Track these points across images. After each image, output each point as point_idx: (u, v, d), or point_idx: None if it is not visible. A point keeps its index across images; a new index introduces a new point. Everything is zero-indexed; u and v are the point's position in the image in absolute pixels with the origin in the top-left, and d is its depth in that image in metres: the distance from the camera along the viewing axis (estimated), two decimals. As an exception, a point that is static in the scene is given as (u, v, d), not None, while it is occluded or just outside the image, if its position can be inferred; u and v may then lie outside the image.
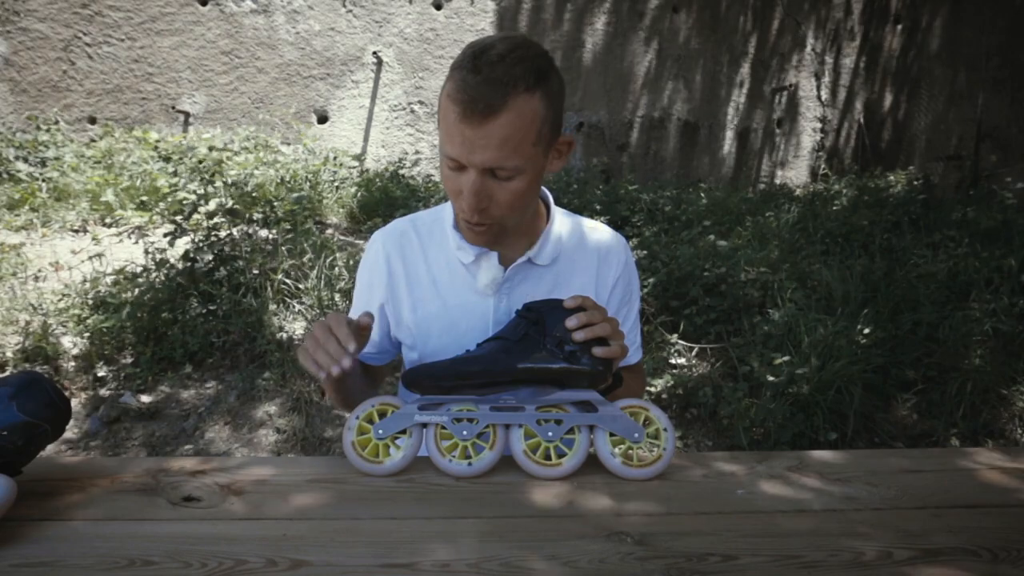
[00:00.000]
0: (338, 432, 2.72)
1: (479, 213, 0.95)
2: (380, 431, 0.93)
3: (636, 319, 1.20)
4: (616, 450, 0.93)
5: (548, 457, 0.93)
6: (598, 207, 4.20)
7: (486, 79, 0.86)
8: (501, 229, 1.01)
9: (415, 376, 0.95)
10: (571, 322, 0.92)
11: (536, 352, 0.92)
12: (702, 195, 4.84)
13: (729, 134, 5.96)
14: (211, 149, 4.09)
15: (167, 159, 3.93)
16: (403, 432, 0.93)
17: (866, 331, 3.01)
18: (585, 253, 1.13)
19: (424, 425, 0.93)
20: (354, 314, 1.16)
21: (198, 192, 3.50)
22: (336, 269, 3.35)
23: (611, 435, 0.93)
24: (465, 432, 0.92)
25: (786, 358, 2.89)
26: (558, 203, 1.17)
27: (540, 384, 0.94)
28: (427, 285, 1.09)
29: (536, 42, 0.94)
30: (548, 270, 1.09)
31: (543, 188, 1.10)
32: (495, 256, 1.06)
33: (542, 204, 1.13)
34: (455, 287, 1.09)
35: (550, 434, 0.92)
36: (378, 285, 1.11)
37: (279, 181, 3.98)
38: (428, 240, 1.11)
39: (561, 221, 1.13)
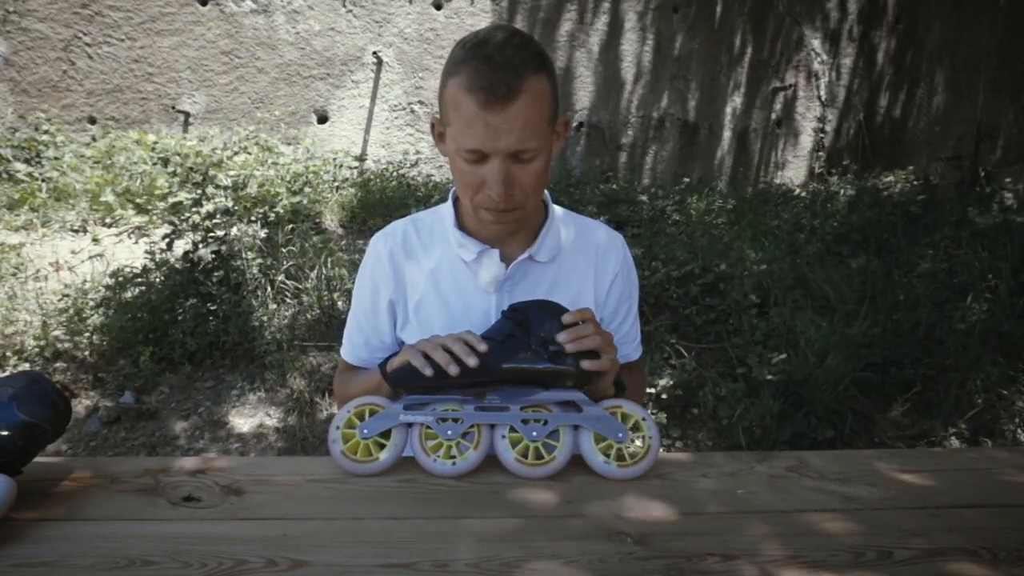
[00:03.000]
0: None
1: (506, 200, 0.96)
2: (365, 431, 0.93)
3: (635, 316, 1.20)
4: (601, 450, 0.93)
5: (537, 456, 0.93)
6: (598, 207, 4.20)
7: (499, 66, 0.88)
8: (524, 215, 1.03)
9: (401, 376, 0.95)
10: (562, 336, 0.93)
11: (521, 352, 0.93)
12: (702, 195, 4.84)
13: (728, 134, 5.96)
14: (212, 151, 4.08)
15: (165, 161, 3.93)
16: (389, 432, 0.93)
17: (865, 330, 3.00)
18: (584, 251, 1.13)
19: (409, 425, 0.93)
20: (355, 319, 1.17)
21: (197, 193, 3.50)
22: (336, 269, 3.35)
23: (596, 435, 0.94)
24: (450, 432, 0.92)
25: (783, 356, 2.89)
26: (557, 203, 1.18)
27: (525, 384, 0.95)
28: (429, 284, 1.09)
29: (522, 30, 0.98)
30: (548, 267, 1.10)
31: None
32: (496, 253, 1.07)
33: (541, 201, 1.14)
34: (457, 285, 1.09)
35: (534, 434, 0.92)
36: (384, 284, 1.11)
37: (279, 181, 3.98)
38: (429, 240, 1.11)
39: (560, 219, 1.14)
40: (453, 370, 0.90)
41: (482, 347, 0.91)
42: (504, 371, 0.93)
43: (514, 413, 0.93)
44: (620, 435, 0.93)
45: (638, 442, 0.94)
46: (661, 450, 0.97)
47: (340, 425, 0.94)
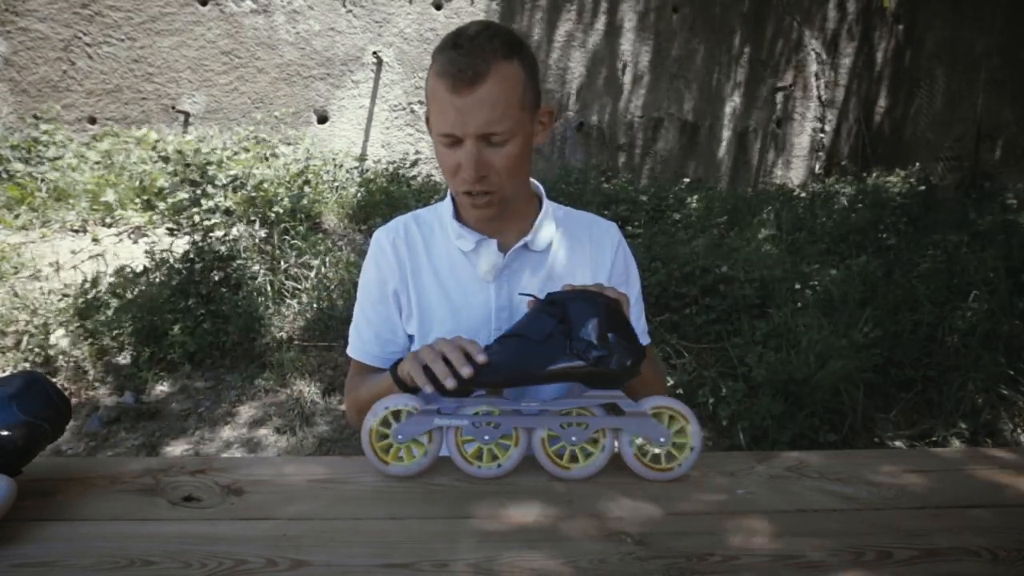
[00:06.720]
0: (337, 432, 2.72)
1: (480, 181, 0.98)
2: (400, 436, 0.91)
3: (638, 302, 1.19)
4: (640, 452, 0.92)
5: (572, 458, 0.92)
6: (598, 207, 4.20)
7: (468, 51, 0.93)
8: (502, 200, 1.03)
9: (412, 391, 0.95)
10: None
11: (561, 355, 0.88)
12: (702, 195, 4.84)
13: (728, 134, 5.96)
14: (212, 151, 4.08)
15: (165, 160, 3.93)
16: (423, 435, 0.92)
17: (865, 330, 3.00)
18: (579, 240, 1.15)
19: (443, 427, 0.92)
20: (363, 314, 1.16)
21: (197, 192, 3.50)
22: (336, 269, 3.35)
23: (635, 437, 0.92)
24: (487, 437, 0.91)
25: (780, 354, 2.89)
26: (557, 201, 1.19)
27: (565, 381, 0.92)
28: (429, 275, 1.11)
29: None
30: (544, 256, 1.12)
31: (535, 181, 1.14)
32: (494, 243, 1.09)
33: (535, 195, 1.16)
34: (456, 276, 1.11)
35: (574, 438, 0.91)
36: (389, 274, 1.12)
37: (279, 181, 3.98)
38: (429, 233, 1.14)
39: (554, 211, 1.16)
40: (450, 383, 0.87)
41: (481, 357, 0.88)
42: (545, 375, 0.89)
43: (552, 417, 0.92)
44: (662, 439, 0.92)
45: (682, 448, 0.93)
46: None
47: (375, 424, 0.92)
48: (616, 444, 0.93)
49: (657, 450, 0.92)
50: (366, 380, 1.11)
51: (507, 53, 0.95)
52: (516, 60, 0.96)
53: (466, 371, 0.87)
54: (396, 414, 0.93)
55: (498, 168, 0.98)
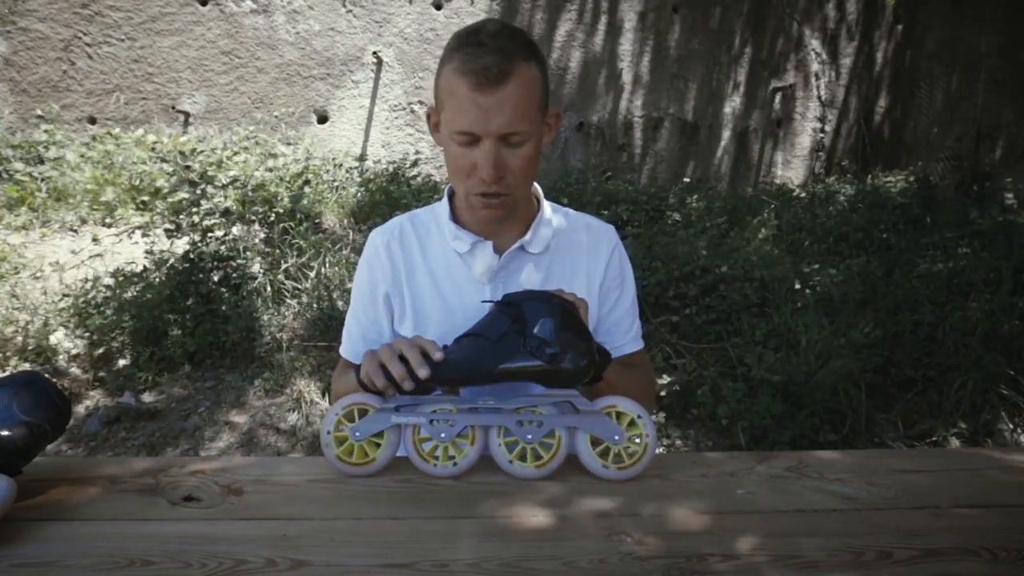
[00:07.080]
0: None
1: (497, 182, 0.98)
2: (357, 433, 0.92)
3: (632, 305, 1.18)
4: (598, 453, 0.92)
5: (525, 458, 0.92)
6: (598, 207, 4.20)
7: (492, 51, 0.92)
8: (514, 201, 1.04)
9: (370, 390, 0.94)
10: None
11: (516, 352, 0.90)
12: (702, 195, 4.84)
13: (728, 134, 5.96)
14: (212, 151, 4.08)
15: (165, 160, 3.93)
16: (381, 432, 0.92)
17: (866, 331, 3.00)
18: (575, 242, 1.15)
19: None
20: (354, 315, 1.17)
21: (196, 192, 3.50)
22: (336, 269, 3.35)
23: (592, 436, 0.92)
24: (443, 435, 0.91)
25: (780, 354, 2.89)
26: (556, 202, 1.19)
27: (520, 380, 0.93)
28: (424, 277, 1.11)
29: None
30: (541, 258, 1.12)
31: (533, 182, 1.13)
32: (490, 245, 1.09)
33: (534, 196, 1.16)
34: (451, 277, 1.11)
35: (529, 436, 0.92)
36: (381, 277, 1.12)
37: (279, 181, 3.98)
38: (425, 234, 1.14)
39: (551, 212, 1.16)
40: (408, 385, 0.88)
41: (437, 355, 0.89)
42: (499, 373, 0.91)
43: (508, 415, 0.92)
44: (616, 437, 0.92)
45: (636, 440, 0.93)
46: (661, 449, 0.96)
47: (331, 429, 0.92)
48: (573, 444, 0.93)
49: (613, 449, 0.92)
50: (347, 373, 1.12)
51: (527, 54, 0.96)
52: (534, 61, 0.97)
53: (423, 372, 0.88)
54: (353, 412, 0.94)
55: (514, 169, 0.98)
